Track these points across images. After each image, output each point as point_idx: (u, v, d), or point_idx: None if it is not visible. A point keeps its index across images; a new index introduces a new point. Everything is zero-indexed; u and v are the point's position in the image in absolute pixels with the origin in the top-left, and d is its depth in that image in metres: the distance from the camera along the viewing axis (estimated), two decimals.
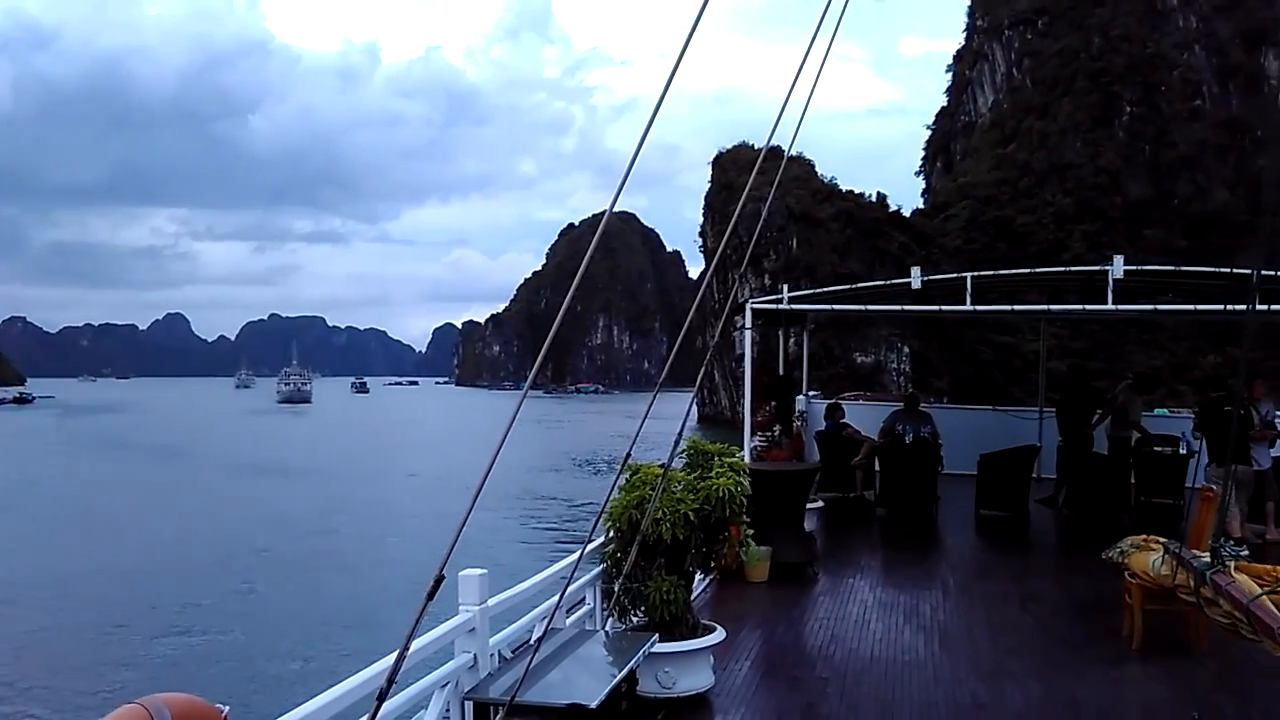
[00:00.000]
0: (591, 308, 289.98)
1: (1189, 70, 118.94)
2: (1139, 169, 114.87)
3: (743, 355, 12.46)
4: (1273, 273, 8.40)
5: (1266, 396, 10.69)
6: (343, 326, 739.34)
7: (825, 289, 12.61)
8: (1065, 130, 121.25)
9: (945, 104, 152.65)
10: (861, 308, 12.72)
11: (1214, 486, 8.04)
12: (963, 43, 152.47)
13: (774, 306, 11.85)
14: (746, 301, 11.92)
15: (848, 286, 12.54)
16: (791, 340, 14.53)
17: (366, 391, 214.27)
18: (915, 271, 11.25)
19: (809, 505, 10.46)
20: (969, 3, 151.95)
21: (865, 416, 13.95)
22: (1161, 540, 6.30)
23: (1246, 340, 7.56)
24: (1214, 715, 5.54)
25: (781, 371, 13.40)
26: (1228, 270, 10.84)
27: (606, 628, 5.85)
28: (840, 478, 12.90)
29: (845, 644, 6.96)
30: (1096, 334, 72.54)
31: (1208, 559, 4.94)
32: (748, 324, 11.72)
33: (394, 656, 2.80)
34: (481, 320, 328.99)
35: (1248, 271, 9.95)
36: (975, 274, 11.09)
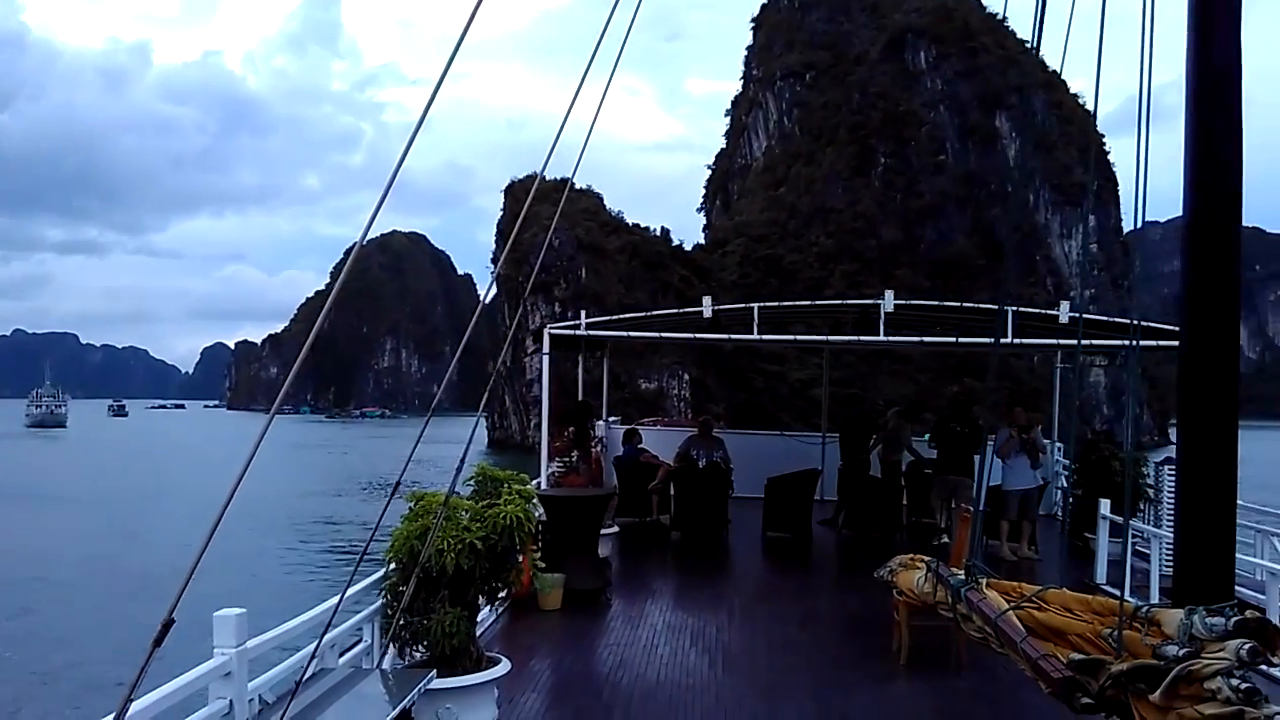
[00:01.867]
0: (378, 330, 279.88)
1: (935, 128, 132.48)
2: (892, 215, 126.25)
3: (533, 380, 12.33)
4: (1031, 309, 9.30)
5: (1029, 421, 11.75)
6: (98, 344, 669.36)
7: (623, 316, 12.77)
8: (829, 177, 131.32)
9: (725, 145, 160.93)
10: (656, 335, 12.94)
11: (968, 507, 8.67)
12: (740, 89, 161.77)
13: (572, 332, 11.84)
14: (544, 327, 11.84)
15: (643, 314, 12.72)
16: (580, 366, 14.60)
17: (125, 415, 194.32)
18: (707, 301, 11.55)
19: (605, 531, 10.44)
20: (746, 52, 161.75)
21: (662, 441, 14.19)
22: (925, 559, 6.55)
23: (992, 370, 8.32)
24: None
25: (580, 397, 13.41)
26: (979, 306, 11.98)
27: (384, 665, 5.57)
28: (638, 502, 13.01)
29: (633, 669, 6.96)
30: (853, 364, 78.32)
31: (963, 576, 5.23)
32: (546, 349, 11.63)
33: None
34: (258, 340, 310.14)
35: (994, 308, 11.06)
36: (761, 305, 11.57)
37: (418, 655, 5.59)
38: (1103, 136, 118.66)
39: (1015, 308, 10.66)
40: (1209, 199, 3.64)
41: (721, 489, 12.64)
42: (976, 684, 6.68)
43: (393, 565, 5.71)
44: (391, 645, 5.55)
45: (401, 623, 5.42)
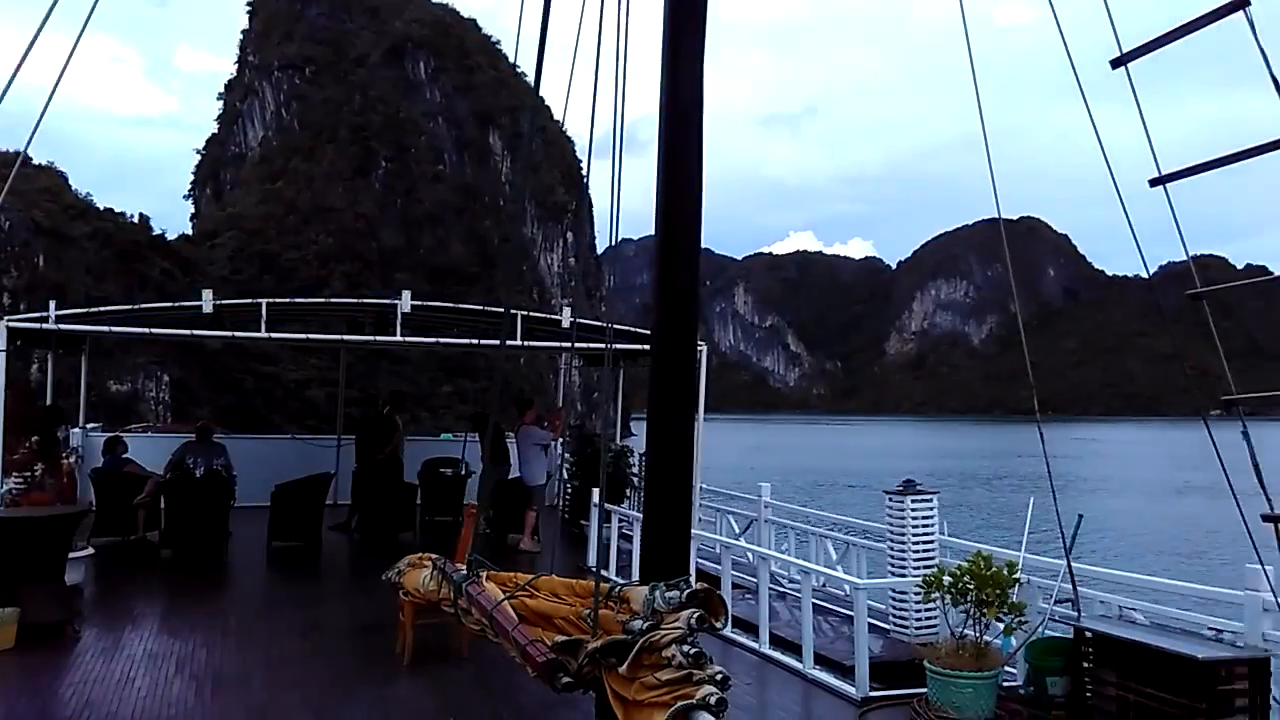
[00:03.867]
0: None
1: (434, 138, 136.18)
2: (392, 219, 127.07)
3: None
4: (539, 314, 10.05)
5: (537, 420, 12.69)
6: None
7: (104, 309, 11.28)
8: (329, 175, 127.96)
9: (217, 130, 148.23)
10: (147, 331, 11.64)
11: (473, 503, 9.14)
12: (236, 73, 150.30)
13: (40, 326, 10.16)
14: (2, 318, 10.02)
15: (129, 307, 11.39)
16: (34, 367, 12.65)
17: None
18: (207, 295, 10.70)
19: (75, 554, 9.22)
20: (241, 36, 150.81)
21: (152, 450, 12.78)
22: (433, 557, 6.61)
23: (498, 371, 8.94)
24: (469, 715, 6.27)
25: (50, 400, 11.56)
26: (490, 309, 12.69)
27: None
28: (122, 519, 11.64)
29: (102, 709, 6.26)
30: (352, 365, 77.70)
31: (465, 571, 5.44)
32: (2, 345, 9.88)
33: None
34: None
35: (501, 311, 11.89)
36: (271, 300, 11.04)
37: None
38: (582, 162, 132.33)
39: (524, 312, 11.54)
40: (676, 214, 4.13)
41: (222, 499, 11.83)
42: (476, 674, 6.97)
43: None
44: None
45: None
